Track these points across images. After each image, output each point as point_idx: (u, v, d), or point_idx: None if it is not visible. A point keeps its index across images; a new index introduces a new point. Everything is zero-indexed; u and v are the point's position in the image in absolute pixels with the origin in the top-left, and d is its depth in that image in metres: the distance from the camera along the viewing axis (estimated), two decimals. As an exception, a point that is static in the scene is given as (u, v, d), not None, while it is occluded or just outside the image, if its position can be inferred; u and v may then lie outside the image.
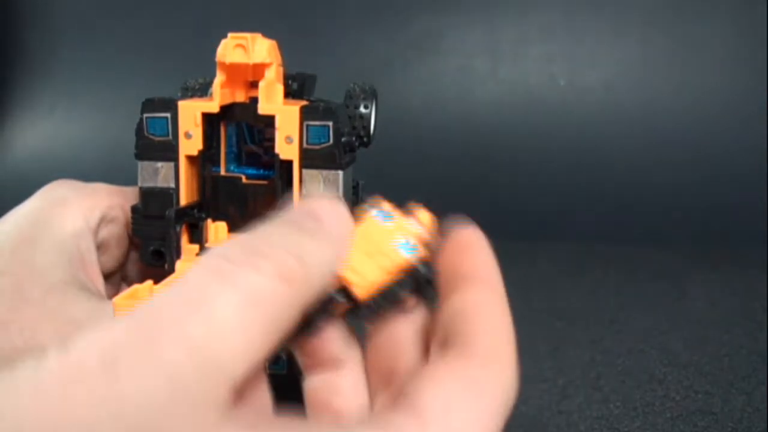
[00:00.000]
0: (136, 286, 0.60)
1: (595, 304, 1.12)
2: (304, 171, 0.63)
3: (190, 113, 0.64)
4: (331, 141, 0.62)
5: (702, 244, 1.44)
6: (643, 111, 1.62)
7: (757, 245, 1.41)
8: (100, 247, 0.64)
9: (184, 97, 0.71)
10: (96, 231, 0.63)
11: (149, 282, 0.61)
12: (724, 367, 0.91)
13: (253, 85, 0.66)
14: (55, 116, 1.75)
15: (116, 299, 0.57)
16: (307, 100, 0.69)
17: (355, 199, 0.69)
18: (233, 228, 0.67)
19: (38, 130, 1.75)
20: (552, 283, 1.22)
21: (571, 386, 0.85)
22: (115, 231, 0.65)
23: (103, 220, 0.64)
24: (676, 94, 1.62)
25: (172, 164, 0.65)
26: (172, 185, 0.65)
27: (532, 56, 1.64)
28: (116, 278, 0.67)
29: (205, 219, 0.67)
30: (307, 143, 0.63)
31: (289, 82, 0.68)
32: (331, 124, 0.62)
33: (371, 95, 0.69)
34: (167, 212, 0.64)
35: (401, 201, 0.46)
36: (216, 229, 0.67)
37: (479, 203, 1.51)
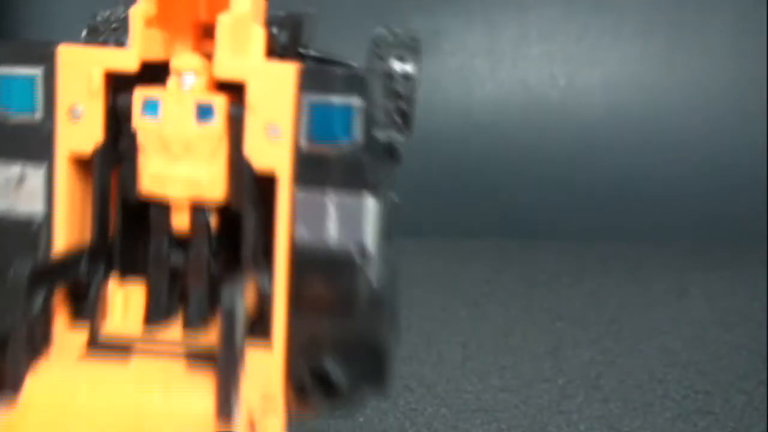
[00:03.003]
0: None
1: (595, 304, 1.12)
2: (300, 194, 0.38)
3: (81, 69, 0.38)
4: (358, 135, 0.38)
5: (702, 243, 1.44)
6: (643, 111, 1.62)
7: (757, 245, 1.41)
8: None
9: (90, 41, 0.45)
10: None
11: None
12: (724, 367, 0.91)
13: (208, 32, 0.41)
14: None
15: None
16: (306, 58, 0.46)
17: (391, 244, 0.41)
18: (157, 296, 0.41)
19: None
20: (552, 283, 1.22)
21: (571, 386, 0.85)
22: None
23: None
24: (676, 93, 1.62)
25: (41, 170, 0.39)
26: (40, 208, 0.39)
27: (532, 56, 1.64)
28: None
29: (103, 278, 0.41)
30: (310, 139, 0.38)
31: (274, 29, 0.42)
32: (358, 101, 0.38)
33: (414, 48, 0.42)
34: (13, 269, 0.34)
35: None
36: (126, 297, 0.41)
37: (479, 203, 1.51)
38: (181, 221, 0.41)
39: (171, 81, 0.39)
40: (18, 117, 0.39)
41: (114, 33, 0.45)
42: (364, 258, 0.38)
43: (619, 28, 1.64)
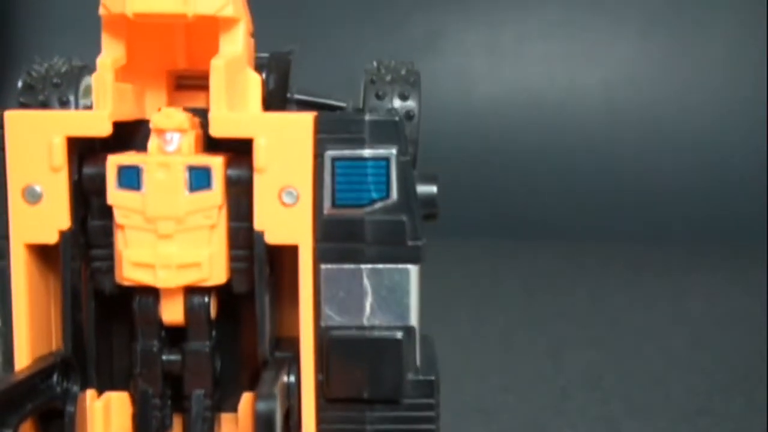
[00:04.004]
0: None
1: (595, 304, 1.12)
2: (327, 270, 0.33)
3: (37, 139, 0.31)
4: (395, 194, 0.32)
5: (702, 243, 1.44)
6: (642, 111, 1.62)
7: (757, 245, 1.41)
8: None
9: (27, 107, 0.37)
10: None
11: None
12: (724, 367, 0.91)
13: (181, 83, 0.36)
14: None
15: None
16: (293, 102, 0.39)
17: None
18: (146, 405, 0.34)
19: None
20: (552, 283, 1.22)
21: (571, 386, 0.85)
22: None
23: None
24: (675, 93, 1.62)
25: None
26: None
27: (532, 56, 1.64)
28: None
29: (80, 390, 0.34)
30: (335, 204, 0.32)
31: (263, 73, 0.36)
32: (394, 152, 0.32)
33: (414, 82, 0.38)
34: None
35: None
36: (106, 410, 0.35)
37: (479, 203, 1.51)
38: (173, 312, 0.33)
39: (152, 143, 0.32)
40: None
41: (56, 89, 0.37)
42: (409, 338, 0.33)
43: (619, 28, 1.64)
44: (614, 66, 1.64)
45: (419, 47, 1.64)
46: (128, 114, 0.33)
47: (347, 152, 0.32)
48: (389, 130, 0.31)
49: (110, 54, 0.32)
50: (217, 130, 0.32)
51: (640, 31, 1.64)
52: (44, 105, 0.37)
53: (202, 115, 0.33)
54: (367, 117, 0.32)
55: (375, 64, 0.39)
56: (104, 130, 0.31)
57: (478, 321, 1.05)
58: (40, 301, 0.33)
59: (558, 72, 1.64)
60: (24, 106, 0.38)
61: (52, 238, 0.32)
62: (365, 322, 0.33)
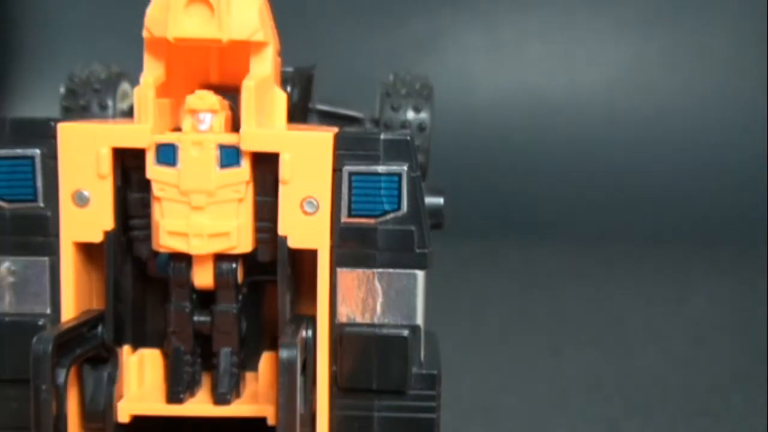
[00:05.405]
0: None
1: (595, 304, 1.12)
2: (343, 273, 0.36)
3: (86, 149, 0.35)
4: (405, 207, 0.35)
5: (702, 243, 1.44)
6: (643, 111, 1.62)
7: (757, 245, 1.41)
8: None
9: (69, 110, 0.43)
10: None
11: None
12: (724, 367, 0.91)
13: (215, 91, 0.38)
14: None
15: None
16: (314, 112, 0.45)
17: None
18: (179, 361, 0.38)
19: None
20: (552, 283, 1.22)
21: (571, 386, 0.85)
22: None
23: None
24: (676, 93, 1.62)
25: (45, 262, 0.35)
26: (46, 310, 0.36)
27: (532, 56, 1.64)
28: None
29: (119, 345, 0.38)
30: (351, 214, 0.36)
31: (288, 88, 0.42)
32: (405, 169, 0.35)
33: (428, 96, 0.43)
34: (35, 339, 0.32)
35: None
36: (140, 362, 0.39)
37: (479, 203, 1.51)
38: (204, 277, 0.37)
39: (186, 122, 0.35)
40: (15, 205, 0.35)
41: (96, 95, 0.43)
42: (415, 335, 0.37)
43: (619, 28, 1.64)
44: (615, 66, 1.64)
45: (419, 47, 1.64)
46: (166, 126, 0.36)
47: (363, 167, 0.35)
48: (401, 148, 0.35)
49: (151, 72, 0.36)
50: (248, 145, 0.35)
51: (641, 31, 1.64)
52: (84, 109, 0.42)
53: (231, 98, 0.36)
54: (382, 136, 0.35)
55: (391, 77, 0.43)
56: (145, 142, 0.35)
57: (477, 321, 1.05)
58: (84, 291, 0.37)
59: (558, 72, 1.64)
60: (66, 109, 0.42)
61: (97, 237, 0.36)
62: (376, 321, 0.37)
